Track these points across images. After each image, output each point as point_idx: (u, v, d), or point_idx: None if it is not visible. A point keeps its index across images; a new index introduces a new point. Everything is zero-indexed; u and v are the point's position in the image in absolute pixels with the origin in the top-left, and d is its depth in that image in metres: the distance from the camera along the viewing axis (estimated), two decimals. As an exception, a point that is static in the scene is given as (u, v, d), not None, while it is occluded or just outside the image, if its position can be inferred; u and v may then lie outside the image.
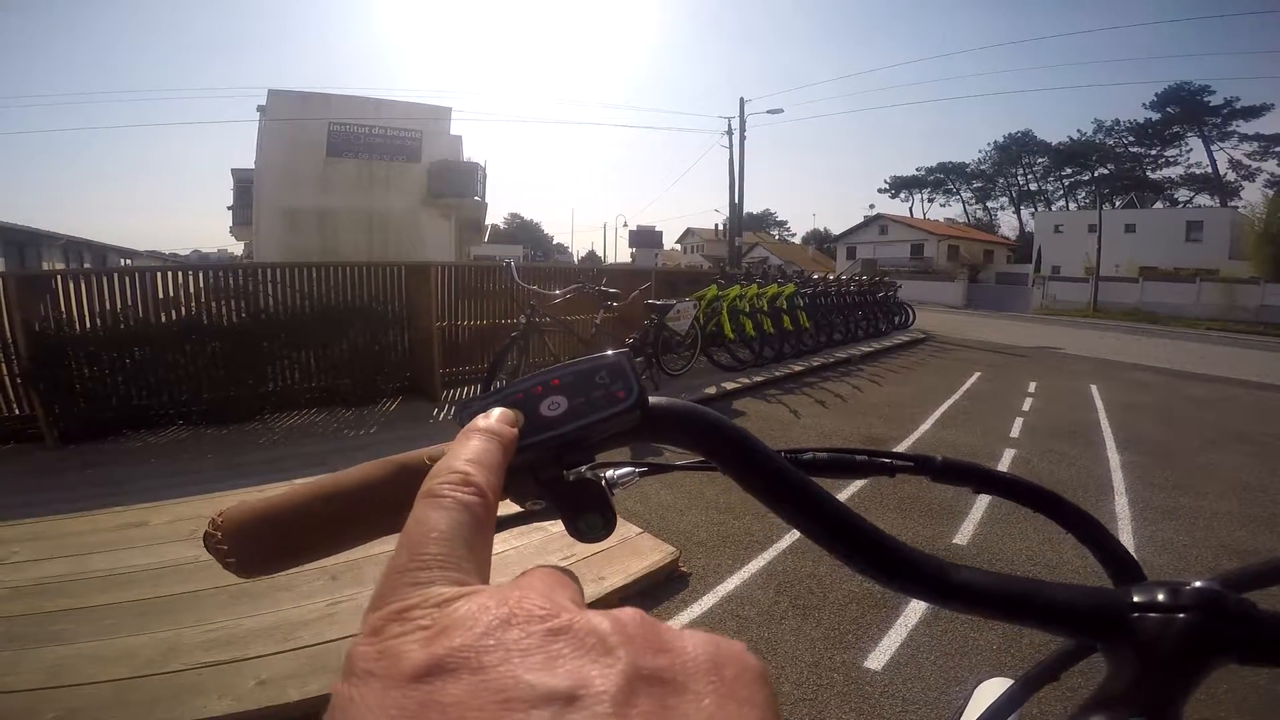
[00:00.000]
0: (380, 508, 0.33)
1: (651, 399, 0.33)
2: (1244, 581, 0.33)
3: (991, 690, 0.70)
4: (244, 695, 1.71)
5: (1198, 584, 0.28)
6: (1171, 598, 0.28)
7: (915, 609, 2.40)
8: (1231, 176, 46.91)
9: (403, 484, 0.33)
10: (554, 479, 0.32)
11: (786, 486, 0.33)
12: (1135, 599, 0.28)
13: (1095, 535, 0.39)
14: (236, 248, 26.28)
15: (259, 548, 0.32)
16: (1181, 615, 0.27)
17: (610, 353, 0.34)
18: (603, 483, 0.34)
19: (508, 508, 0.37)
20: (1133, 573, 0.38)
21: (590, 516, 0.32)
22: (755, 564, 2.74)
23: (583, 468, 0.33)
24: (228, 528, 0.32)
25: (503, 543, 2.60)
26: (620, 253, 59.69)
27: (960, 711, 0.68)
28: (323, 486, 0.34)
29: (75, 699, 1.66)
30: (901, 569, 0.32)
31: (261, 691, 1.73)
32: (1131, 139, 50.16)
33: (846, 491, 3.55)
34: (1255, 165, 45.74)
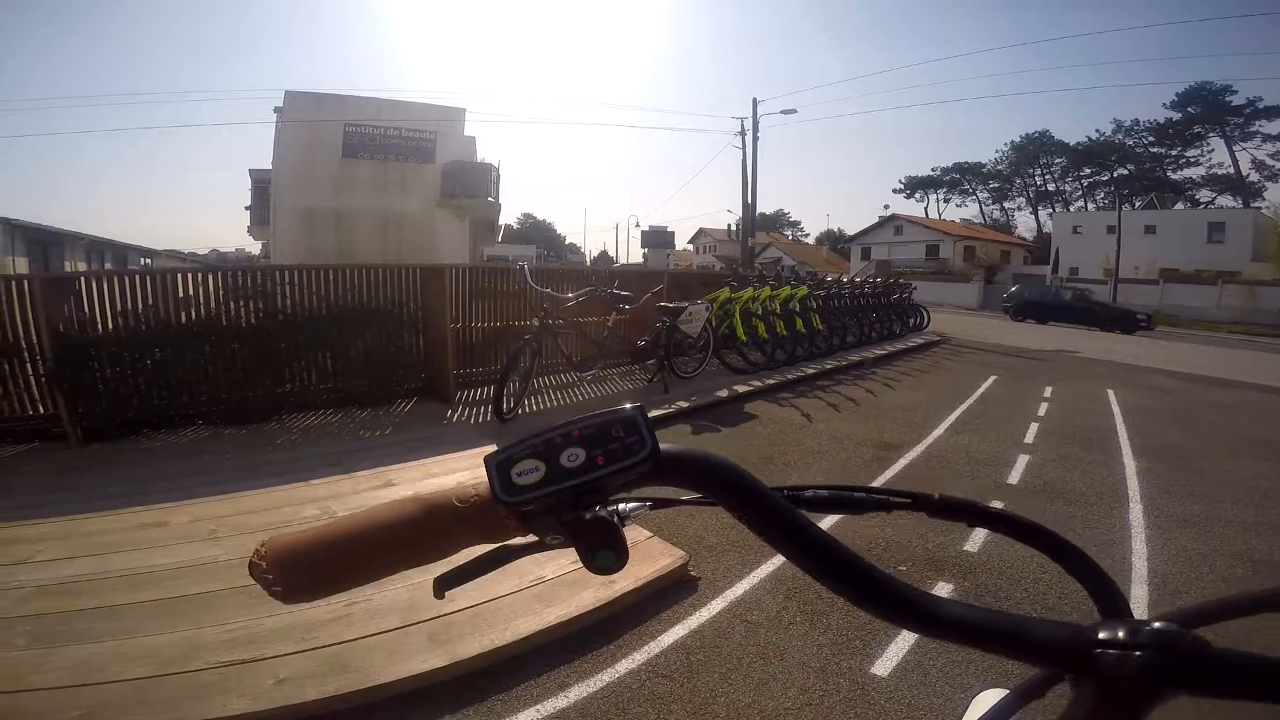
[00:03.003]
0: (410, 543, 0.37)
1: (663, 446, 0.36)
2: (1204, 617, 0.36)
3: (988, 701, 0.71)
4: (263, 694, 1.75)
5: (1157, 625, 0.30)
6: (1131, 636, 0.30)
7: (924, 616, 2.40)
8: (1255, 177, 46.13)
9: (432, 523, 0.37)
10: (573, 519, 0.35)
11: (784, 526, 0.36)
12: (1099, 636, 0.31)
13: (1084, 567, 0.41)
14: (254, 247, 26.61)
15: (302, 577, 0.36)
16: (1138, 653, 0.29)
17: (628, 406, 0.37)
18: (615, 518, 0.36)
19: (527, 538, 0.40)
20: (1117, 604, 0.40)
21: (605, 553, 0.35)
22: (764, 569, 2.76)
23: (597, 507, 0.36)
24: (272, 558, 0.36)
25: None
26: (632, 253, 59.80)
27: None
28: (358, 521, 0.37)
29: (99, 697, 1.71)
30: (890, 601, 0.34)
31: (280, 690, 1.77)
32: (1152, 139, 49.45)
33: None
34: (1278, 166, 45.00)
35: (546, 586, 2.37)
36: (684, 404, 5.57)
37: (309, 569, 0.35)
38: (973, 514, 0.41)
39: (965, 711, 0.70)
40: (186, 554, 2.54)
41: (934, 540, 3.06)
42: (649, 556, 2.64)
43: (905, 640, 2.25)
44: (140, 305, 4.52)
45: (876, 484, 4.00)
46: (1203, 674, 0.29)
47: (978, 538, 3.09)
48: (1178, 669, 0.29)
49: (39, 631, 2.02)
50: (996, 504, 3.59)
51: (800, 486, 0.42)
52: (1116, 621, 0.31)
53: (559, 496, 0.34)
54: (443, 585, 0.42)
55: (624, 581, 2.42)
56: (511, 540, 0.39)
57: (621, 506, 0.40)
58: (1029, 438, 5.17)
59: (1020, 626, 0.32)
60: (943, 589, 2.60)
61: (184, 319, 4.69)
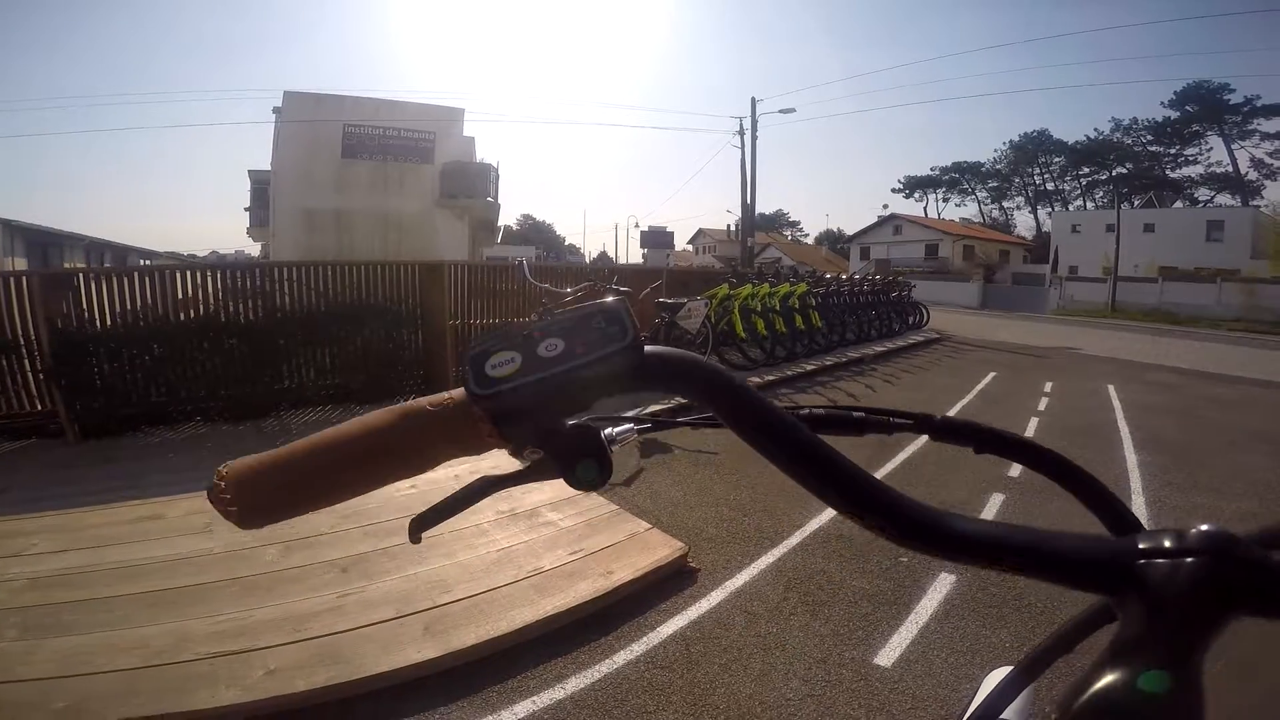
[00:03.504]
0: (379, 456, 0.34)
1: (648, 348, 0.33)
2: (1259, 541, 0.32)
3: (999, 679, 0.69)
4: (252, 685, 1.72)
5: (1204, 528, 0.27)
6: (1178, 542, 0.26)
7: (927, 606, 2.37)
8: (1253, 175, 45.95)
9: (402, 432, 0.34)
10: (552, 426, 0.32)
11: (783, 436, 0.33)
12: (1141, 545, 0.27)
13: (1098, 495, 0.38)
14: (254, 248, 26.56)
15: (263, 496, 0.33)
16: (1189, 560, 0.26)
17: (610, 299, 0.34)
18: (601, 436, 0.34)
19: (509, 464, 0.37)
20: (1131, 525, 0.37)
21: (586, 463, 0.33)
22: (765, 560, 2.73)
23: (582, 417, 0.33)
24: (232, 478, 0.33)
25: (512, 538, 2.61)
26: (632, 254, 59.64)
27: (970, 702, 0.68)
28: (324, 437, 0.34)
29: (85, 688, 1.68)
30: (899, 518, 0.31)
31: (270, 681, 1.74)
32: (1150, 138, 49.31)
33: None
34: (1277, 164, 44.86)
35: (544, 577, 2.34)
36: (683, 400, 5.53)
37: (270, 488, 0.33)
38: (978, 437, 0.39)
39: (976, 692, 0.68)
40: (180, 547, 2.51)
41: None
42: (647, 547, 2.61)
43: (909, 631, 2.23)
44: (139, 303, 4.51)
45: (879, 475, 3.98)
46: (1271, 587, 0.25)
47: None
48: (1238, 579, 0.25)
49: (29, 623, 1.98)
50: (998, 496, 3.60)
51: (795, 406, 0.39)
52: (1159, 530, 0.28)
53: (536, 388, 0.31)
54: (417, 527, 0.39)
55: (622, 572, 2.40)
56: (487, 455, 0.36)
57: (609, 430, 0.37)
58: (1030, 432, 5.15)
59: (1049, 543, 0.28)
60: (945, 577, 2.58)
61: (182, 316, 4.68)
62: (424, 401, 0.34)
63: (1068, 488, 0.38)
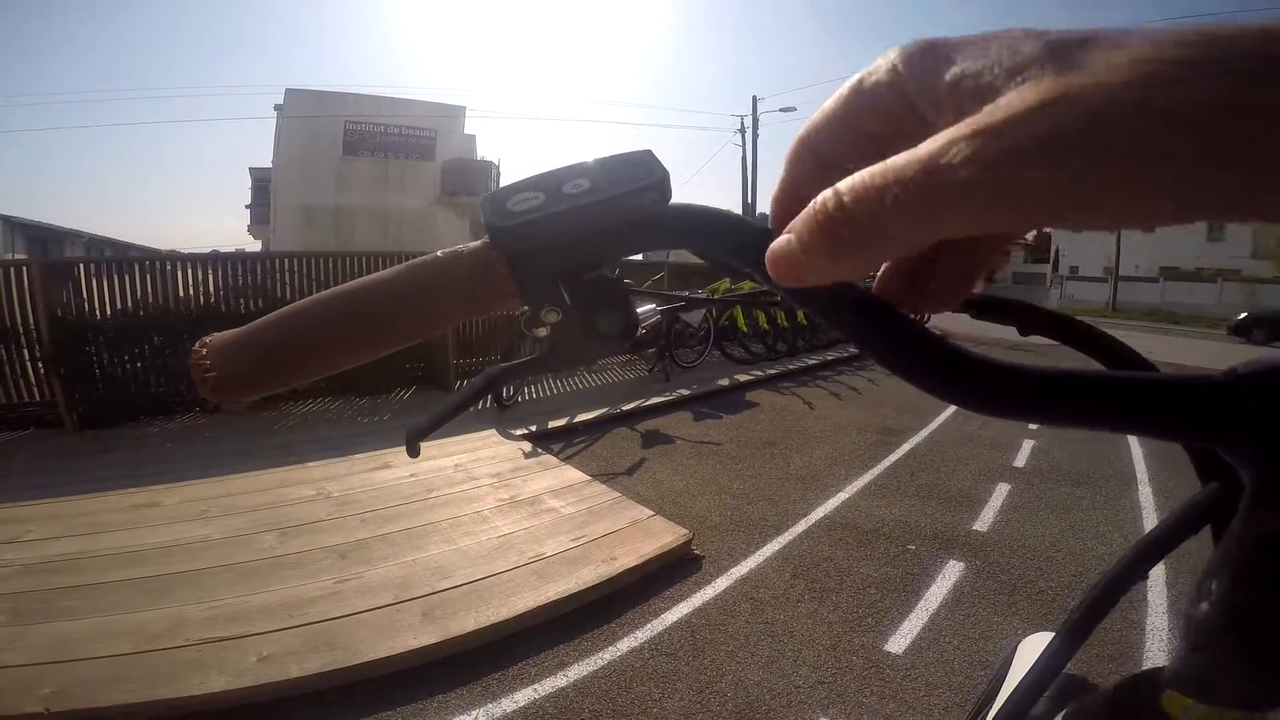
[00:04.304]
0: (387, 312, 0.29)
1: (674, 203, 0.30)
2: None
3: (1036, 646, 0.65)
4: (244, 671, 1.68)
5: None
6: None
7: (937, 593, 2.33)
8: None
9: (413, 283, 0.29)
10: (572, 280, 0.30)
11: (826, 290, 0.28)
12: (1240, 371, 0.21)
13: (1119, 353, 0.36)
14: (254, 246, 26.60)
15: (247, 362, 0.28)
16: None
17: (640, 149, 0.32)
18: (624, 286, 0.32)
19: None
20: None
21: (607, 314, 0.30)
22: (770, 548, 2.68)
23: (603, 269, 0.31)
24: (214, 346, 0.28)
25: (514, 524, 2.58)
26: (633, 252, 59.78)
27: (1002, 671, 0.64)
28: (322, 295, 0.30)
29: (74, 674, 1.64)
30: (951, 373, 0.24)
31: (262, 668, 1.70)
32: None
33: (865, 478, 3.50)
34: None
35: (545, 563, 2.29)
36: (685, 392, 5.49)
37: (258, 352, 0.28)
38: (1021, 315, 0.38)
39: (1009, 664, 0.63)
40: (176, 533, 2.47)
41: (943, 519, 2.99)
42: (651, 534, 2.56)
43: (920, 617, 2.18)
44: (138, 293, 4.47)
45: (883, 466, 3.96)
46: None
47: (986, 517, 3.01)
48: None
49: (19, 609, 1.94)
50: (1004, 485, 3.55)
51: None
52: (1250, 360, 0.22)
53: (559, 222, 0.28)
54: (416, 436, 0.35)
55: (625, 558, 2.35)
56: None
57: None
58: (1033, 424, 5.10)
59: (1128, 385, 0.21)
60: (953, 567, 2.53)
61: (182, 308, 4.65)
62: (435, 250, 0.30)
63: (1087, 352, 0.37)
